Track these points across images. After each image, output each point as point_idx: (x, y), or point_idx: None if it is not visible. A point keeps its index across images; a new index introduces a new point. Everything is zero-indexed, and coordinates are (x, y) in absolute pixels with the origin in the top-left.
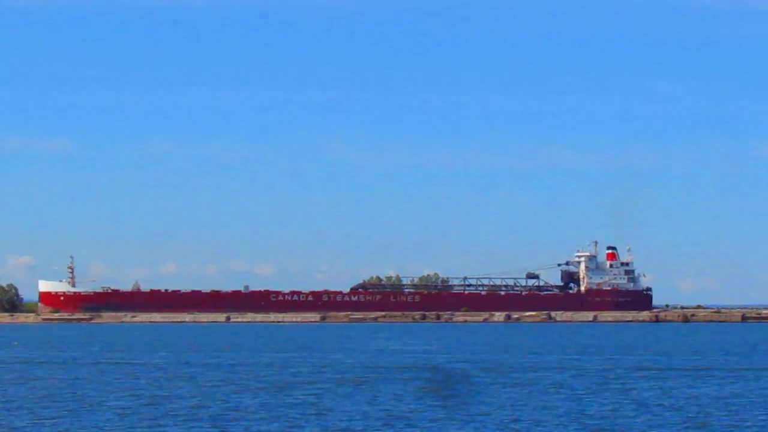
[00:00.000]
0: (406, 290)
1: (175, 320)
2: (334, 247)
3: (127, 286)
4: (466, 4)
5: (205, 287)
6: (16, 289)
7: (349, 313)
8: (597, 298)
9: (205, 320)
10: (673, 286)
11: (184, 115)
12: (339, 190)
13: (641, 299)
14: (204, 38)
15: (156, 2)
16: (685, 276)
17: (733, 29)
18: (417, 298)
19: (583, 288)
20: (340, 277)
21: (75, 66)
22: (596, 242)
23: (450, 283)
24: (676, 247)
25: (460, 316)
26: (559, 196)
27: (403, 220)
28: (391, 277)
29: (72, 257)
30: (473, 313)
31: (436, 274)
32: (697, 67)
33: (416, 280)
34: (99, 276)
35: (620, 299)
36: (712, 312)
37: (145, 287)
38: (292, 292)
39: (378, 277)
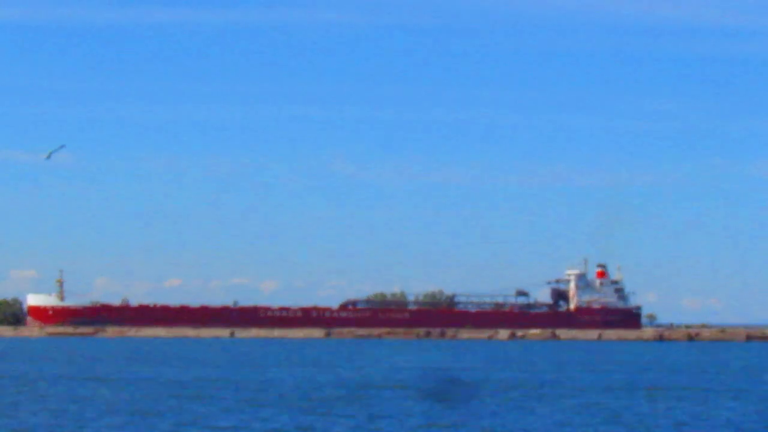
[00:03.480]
0: (396, 307)
1: (178, 335)
2: (339, 263)
3: (131, 301)
4: (465, 22)
5: (206, 302)
6: (20, 303)
7: (353, 329)
8: (586, 317)
9: (208, 335)
10: (678, 305)
11: (188, 130)
12: (344, 206)
13: (630, 318)
14: (208, 53)
15: (160, 16)
16: (690, 295)
17: (729, 47)
18: (407, 315)
19: (572, 306)
20: (344, 293)
21: (76, 80)
22: (586, 260)
23: (454, 300)
24: (681, 266)
25: (464, 333)
26: (550, 214)
27: (408, 236)
28: (396, 293)
29: (61, 271)
30: (477, 330)
31: (440, 290)
32: (693, 84)
33: (421, 297)
34: (103, 290)
35: (609, 317)
36: (716, 331)
37: (148, 302)
38: (281, 308)
39: (383, 294)
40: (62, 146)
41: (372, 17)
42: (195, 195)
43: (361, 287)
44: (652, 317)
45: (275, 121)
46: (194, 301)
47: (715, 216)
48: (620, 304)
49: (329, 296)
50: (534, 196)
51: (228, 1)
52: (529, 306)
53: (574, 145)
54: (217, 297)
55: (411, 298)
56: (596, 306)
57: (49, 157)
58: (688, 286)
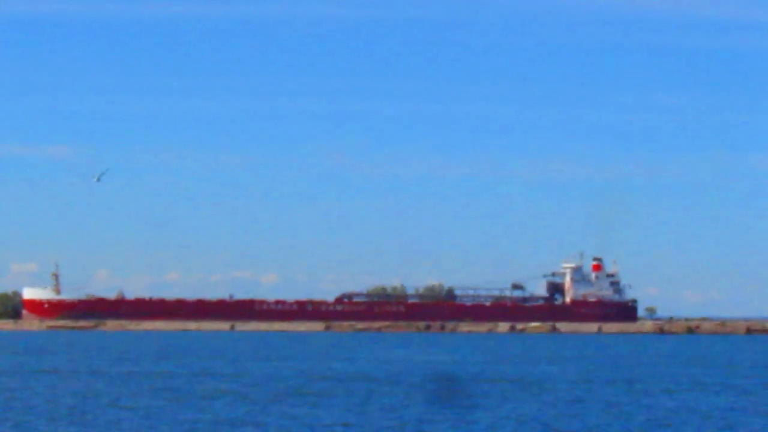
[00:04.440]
0: (395, 300)
1: (178, 329)
2: (339, 256)
3: (128, 295)
4: (464, 15)
5: (205, 296)
6: (20, 297)
7: (353, 323)
8: (582, 310)
9: (208, 329)
10: (679, 298)
11: (186, 124)
12: (343, 200)
13: (626, 311)
14: (207, 47)
15: (158, 11)
16: (690, 288)
17: (728, 40)
18: (402, 308)
19: (568, 299)
20: (344, 286)
21: (76, 73)
22: (582, 253)
23: (453, 294)
24: (681, 259)
25: (464, 327)
26: (547, 207)
27: (409, 230)
28: (395, 287)
29: (57, 264)
30: (477, 324)
31: (440, 284)
32: (692, 77)
33: (421, 290)
34: (102, 283)
35: (605, 311)
36: (716, 324)
37: (148, 295)
38: (277, 302)
39: (383, 287)
40: (108, 169)
41: (369, 11)
42: (194, 189)
43: (361, 281)
44: (652, 310)
45: (274, 115)
46: (194, 294)
47: (715, 209)
48: (616, 298)
49: (329, 290)
50: (530, 189)
51: None
52: (524, 299)
53: (571, 138)
54: (217, 291)
55: (411, 292)
56: (592, 299)
57: (98, 179)
58: (688, 279)
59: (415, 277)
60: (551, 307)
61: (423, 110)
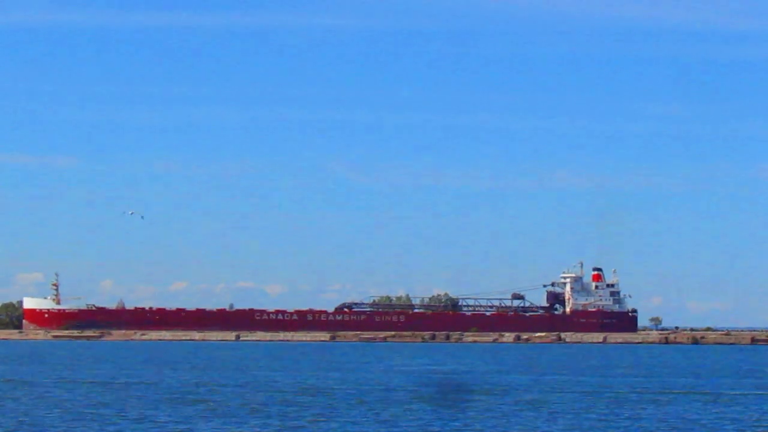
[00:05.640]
0: (394, 310)
1: (183, 338)
2: (344, 266)
3: (130, 305)
4: (460, 26)
5: (209, 306)
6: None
7: (358, 333)
8: (582, 320)
9: (214, 339)
10: (684, 309)
11: (191, 134)
12: (348, 210)
13: (626, 321)
14: (210, 57)
15: (160, 21)
16: (695, 298)
17: (730, 49)
18: (403, 318)
19: (568, 309)
20: (349, 296)
21: (81, 83)
22: (582, 263)
23: (458, 304)
24: (686, 270)
25: (469, 337)
26: (548, 217)
27: (412, 240)
28: (401, 297)
29: (57, 274)
30: (482, 333)
31: (445, 294)
32: (693, 87)
33: (426, 300)
34: (108, 293)
35: (605, 321)
36: (721, 334)
37: (153, 305)
38: (277, 311)
39: (388, 297)
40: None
41: (369, 21)
42: (200, 199)
43: (366, 291)
44: (657, 320)
45: (279, 124)
46: (199, 304)
47: (719, 218)
48: (616, 307)
49: (334, 300)
50: (532, 199)
51: (227, 5)
52: (525, 309)
53: (572, 148)
54: (221, 301)
55: (416, 302)
56: (592, 309)
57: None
58: (693, 289)
59: (421, 286)
60: (551, 317)
61: (426, 120)
